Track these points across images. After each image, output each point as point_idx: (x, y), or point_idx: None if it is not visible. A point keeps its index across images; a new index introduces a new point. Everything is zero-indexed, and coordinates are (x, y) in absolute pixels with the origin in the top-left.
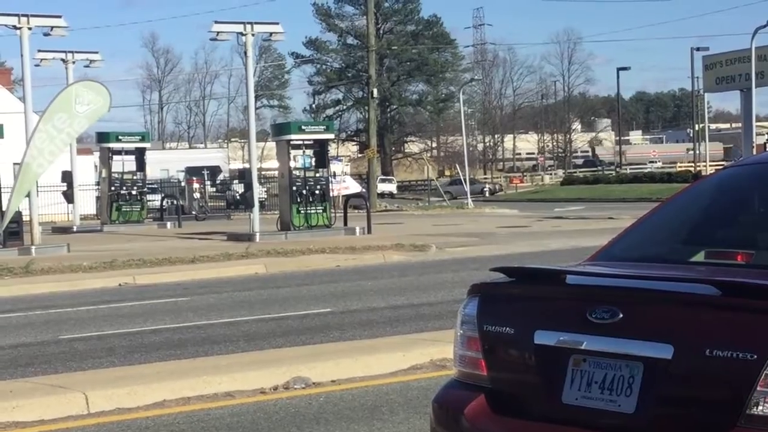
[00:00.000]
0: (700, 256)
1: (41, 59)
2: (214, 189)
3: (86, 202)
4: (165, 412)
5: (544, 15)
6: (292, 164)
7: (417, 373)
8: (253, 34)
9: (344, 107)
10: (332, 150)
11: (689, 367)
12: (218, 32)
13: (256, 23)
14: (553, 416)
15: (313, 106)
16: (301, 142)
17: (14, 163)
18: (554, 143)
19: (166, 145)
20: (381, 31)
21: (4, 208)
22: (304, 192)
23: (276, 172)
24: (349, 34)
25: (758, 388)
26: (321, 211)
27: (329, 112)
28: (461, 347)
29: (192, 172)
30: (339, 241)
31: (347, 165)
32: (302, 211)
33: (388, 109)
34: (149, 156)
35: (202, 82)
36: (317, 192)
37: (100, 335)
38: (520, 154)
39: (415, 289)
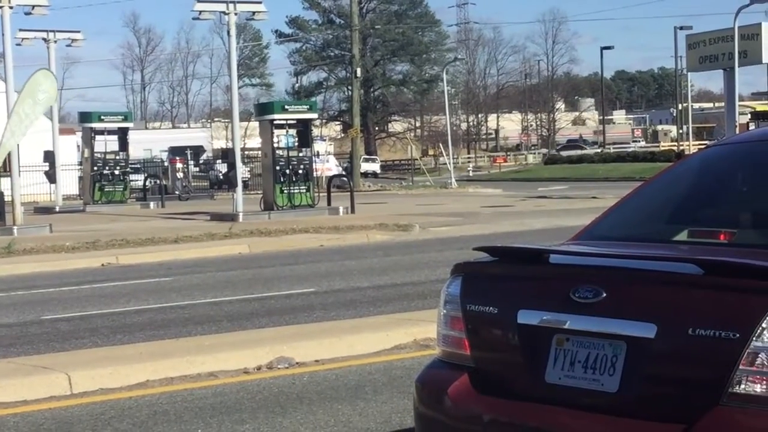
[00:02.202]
0: (683, 235)
1: (22, 39)
2: (198, 169)
3: (69, 182)
4: (148, 392)
5: None
6: (276, 144)
7: (401, 353)
8: (236, 13)
9: (327, 87)
10: (316, 130)
11: (672, 346)
12: (201, 11)
13: (239, 2)
14: (536, 395)
15: (296, 86)
16: (284, 122)
17: None
18: (538, 123)
19: (149, 125)
20: (364, 11)
21: None
22: (288, 172)
23: (259, 152)
24: (332, 13)
25: (740, 367)
26: (304, 190)
27: (314, 91)
28: (444, 327)
29: (175, 151)
30: (322, 220)
31: (331, 145)
32: (286, 191)
33: (372, 89)
34: (132, 136)
35: (185, 62)
36: (300, 172)
37: (83, 315)
38: (501, 134)
39: (399, 268)
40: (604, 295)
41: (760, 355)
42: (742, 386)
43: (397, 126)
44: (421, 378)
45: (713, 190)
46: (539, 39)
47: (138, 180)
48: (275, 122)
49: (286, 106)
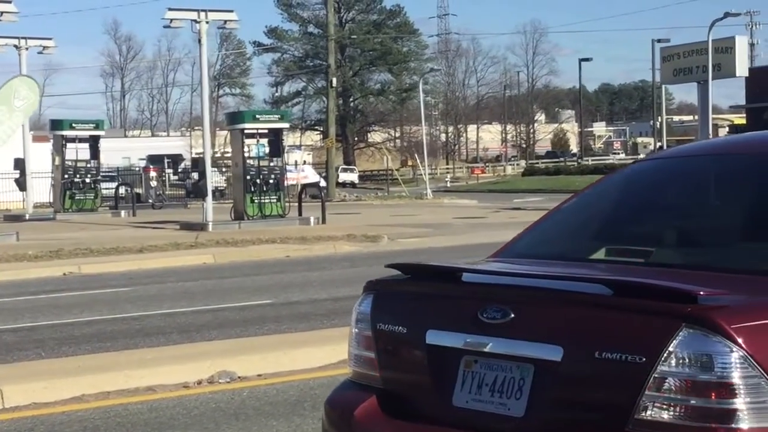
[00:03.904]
0: (600, 254)
1: None
2: (177, 177)
3: (43, 190)
4: (82, 407)
5: (509, 5)
6: (246, 153)
7: (346, 367)
8: (207, 22)
9: (306, 96)
10: (294, 139)
11: (578, 369)
12: (172, 20)
13: (211, 11)
14: (443, 419)
15: (275, 95)
16: (255, 131)
17: None
18: (517, 134)
19: (129, 132)
20: (343, 21)
21: None
22: (258, 181)
23: None
24: (311, 24)
25: (647, 392)
26: (275, 200)
27: (291, 101)
28: (355, 346)
29: (153, 160)
30: (291, 231)
31: (309, 154)
32: (256, 201)
33: (351, 99)
34: (111, 144)
35: (165, 70)
36: (271, 181)
37: (33, 326)
38: (480, 145)
39: (361, 280)
40: (512, 315)
41: (667, 380)
42: (649, 412)
43: (376, 136)
44: (330, 400)
45: (636, 206)
46: (519, 50)
47: (113, 188)
48: (246, 131)
49: (257, 116)
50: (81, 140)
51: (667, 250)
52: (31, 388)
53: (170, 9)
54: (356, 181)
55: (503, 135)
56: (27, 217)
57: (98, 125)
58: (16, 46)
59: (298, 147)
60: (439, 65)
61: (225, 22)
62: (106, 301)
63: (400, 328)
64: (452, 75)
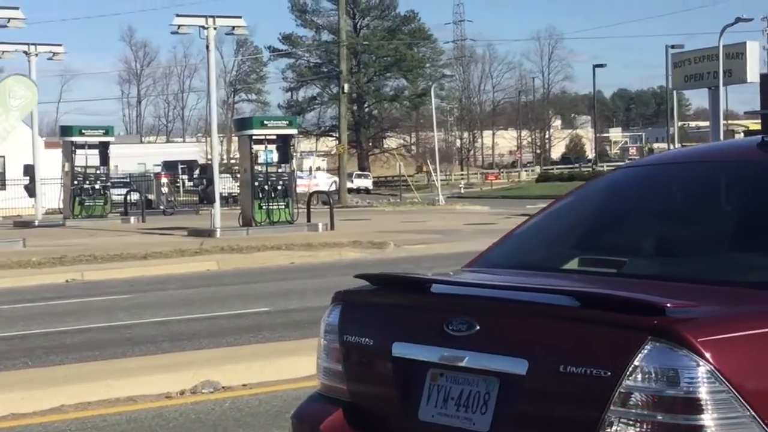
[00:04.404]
0: (574, 264)
1: (3, 51)
2: (192, 183)
3: (56, 197)
4: (61, 417)
5: (525, 11)
6: (255, 159)
7: None
8: (215, 28)
9: (321, 102)
10: (310, 145)
11: (543, 383)
12: (179, 26)
13: (218, 17)
14: None
15: (290, 101)
16: (263, 137)
17: None
18: (532, 140)
19: (145, 138)
20: (358, 27)
21: None
22: (266, 187)
23: None
24: (325, 30)
25: (612, 408)
26: (283, 206)
27: (306, 107)
28: (324, 358)
29: (169, 166)
30: (298, 237)
31: (323, 160)
32: (264, 207)
33: (365, 105)
34: (126, 150)
35: (181, 76)
36: (279, 187)
37: (25, 334)
38: (496, 151)
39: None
40: (478, 327)
41: (632, 396)
42: (615, 428)
43: (390, 142)
44: (297, 413)
45: (613, 214)
46: (535, 56)
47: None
48: (254, 137)
49: (266, 122)
50: (90, 146)
51: (641, 260)
52: (9, 398)
53: (178, 15)
54: (370, 187)
55: (518, 141)
56: (36, 223)
57: (108, 131)
58: (25, 53)
59: (311, 153)
60: (454, 71)
61: (233, 28)
62: (102, 309)
63: (367, 339)
64: (467, 81)
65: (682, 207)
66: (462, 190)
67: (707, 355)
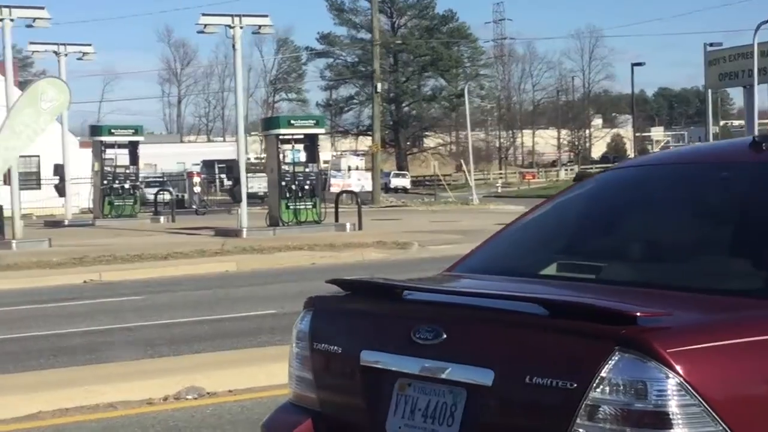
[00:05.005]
0: (552, 269)
1: (33, 51)
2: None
3: (87, 196)
4: (36, 424)
5: (565, 9)
6: (281, 159)
7: None
8: (241, 27)
9: (359, 101)
10: (349, 144)
11: (509, 395)
12: (206, 25)
13: (245, 16)
14: None
15: (329, 100)
16: (290, 137)
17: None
18: (573, 139)
19: (185, 138)
20: (396, 26)
21: None
22: (294, 187)
23: None
24: (363, 29)
25: (578, 421)
26: (311, 206)
27: (344, 106)
28: (295, 366)
29: (208, 165)
30: (322, 237)
31: (362, 159)
32: (291, 207)
33: (403, 104)
34: (166, 149)
35: (222, 75)
36: (307, 187)
37: (23, 337)
38: (536, 150)
39: None
40: (445, 336)
41: (600, 408)
42: None
43: (429, 141)
44: (266, 423)
45: (597, 218)
46: (575, 55)
47: (162, 194)
48: (281, 137)
49: (292, 121)
50: (120, 146)
51: (620, 265)
52: None
53: (204, 14)
54: (408, 186)
55: (558, 140)
56: (66, 223)
57: (137, 131)
58: (55, 52)
59: (352, 153)
60: (494, 70)
61: (259, 27)
62: (110, 311)
63: (336, 347)
64: (508, 80)
65: (666, 210)
66: (499, 190)
67: (677, 366)
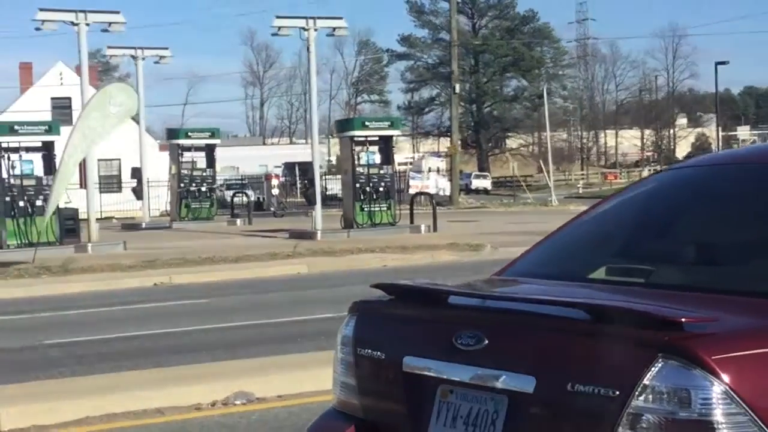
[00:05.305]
0: (601, 273)
1: (111, 55)
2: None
3: (166, 199)
4: (83, 429)
5: (649, 8)
6: (356, 161)
7: None
8: (315, 29)
9: (439, 103)
10: (432, 146)
11: (551, 402)
12: (279, 27)
13: (319, 18)
14: None
15: (410, 102)
16: (364, 138)
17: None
18: (657, 139)
19: (268, 140)
20: (476, 27)
21: (62, 205)
22: (368, 189)
23: None
24: (443, 30)
25: (620, 429)
26: (385, 208)
27: (425, 108)
28: (339, 372)
29: (290, 167)
30: (395, 239)
31: (443, 161)
32: (366, 209)
33: (484, 105)
34: (249, 152)
35: (304, 78)
36: (381, 189)
37: (81, 341)
38: (620, 150)
39: None
40: (486, 342)
41: (642, 417)
42: None
43: (511, 142)
44: (310, 429)
45: (652, 219)
46: (659, 54)
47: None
48: (355, 139)
49: (367, 123)
50: (197, 149)
51: (671, 268)
52: (33, 409)
53: (278, 17)
54: (489, 187)
55: (642, 140)
56: (143, 225)
57: (214, 134)
58: (132, 56)
59: (434, 154)
60: (577, 71)
61: (333, 29)
62: (169, 314)
63: (379, 353)
64: (591, 79)
65: (721, 212)
66: (580, 190)
67: (722, 374)
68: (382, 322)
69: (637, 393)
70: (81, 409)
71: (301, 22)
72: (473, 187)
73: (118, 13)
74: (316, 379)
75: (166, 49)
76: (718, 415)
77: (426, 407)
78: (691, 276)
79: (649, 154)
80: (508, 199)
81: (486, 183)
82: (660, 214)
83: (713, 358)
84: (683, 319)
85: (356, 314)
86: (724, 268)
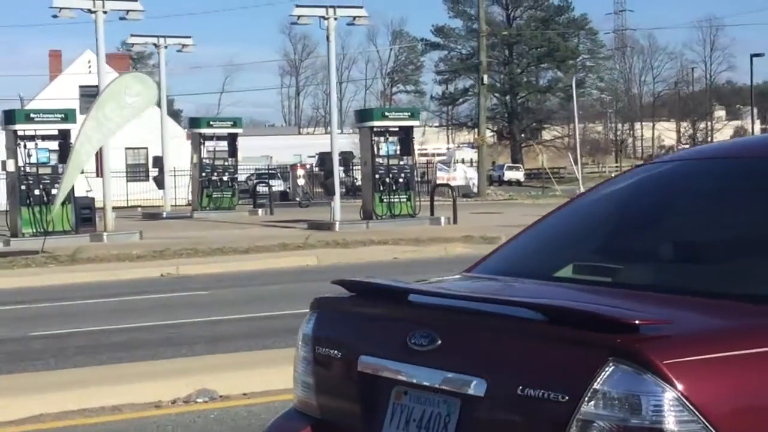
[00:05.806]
0: (567, 271)
1: (133, 44)
2: (345, 175)
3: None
4: (37, 427)
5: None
6: (375, 151)
7: None
8: (335, 18)
9: (473, 94)
10: (466, 137)
11: (501, 406)
12: (299, 16)
13: (339, 7)
14: None
15: (444, 92)
16: (384, 129)
17: (129, 148)
18: (694, 131)
19: (303, 130)
20: (511, 17)
21: (83, 194)
22: (387, 180)
23: None
24: (477, 21)
25: None
26: (405, 199)
27: (459, 98)
28: (300, 371)
29: (324, 157)
30: (412, 231)
31: (476, 152)
32: (385, 200)
33: (518, 96)
34: (283, 141)
35: (340, 68)
36: (401, 180)
37: (68, 333)
38: (656, 142)
39: None
40: (440, 342)
41: (593, 424)
42: None
43: (546, 134)
44: (267, 430)
45: (627, 216)
46: (697, 46)
47: (274, 186)
48: (375, 129)
49: (386, 113)
50: (219, 138)
51: (639, 267)
52: None
53: (298, 6)
54: (521, 179)
55: (677, 132)
56: (164, 215)
57: (236, 123)
58: (155, 45)
59: (470, 145)
60: (614, 62)
61: (354, 18)
62: (167, 306)
63: (336, 352)
64: (629, 71)
65: (701, 208)
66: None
67: (675, 379)
68: (340, 319)
69: (587, 398)
70: (37, 406)
71: (321, 11)
72: (506, 178)
73: (136, 1)
74: (284, 376)
75: (189, 37)
76: (669, 422)
77: (381, 409)
78: (659, 275)
79: (686, 146)
80: (537, 192)
81: (519, 174)
82: (636, 210)
83: (665, 362)
84: (636, 321)
85: (316, 311)
86: (694, 268)
